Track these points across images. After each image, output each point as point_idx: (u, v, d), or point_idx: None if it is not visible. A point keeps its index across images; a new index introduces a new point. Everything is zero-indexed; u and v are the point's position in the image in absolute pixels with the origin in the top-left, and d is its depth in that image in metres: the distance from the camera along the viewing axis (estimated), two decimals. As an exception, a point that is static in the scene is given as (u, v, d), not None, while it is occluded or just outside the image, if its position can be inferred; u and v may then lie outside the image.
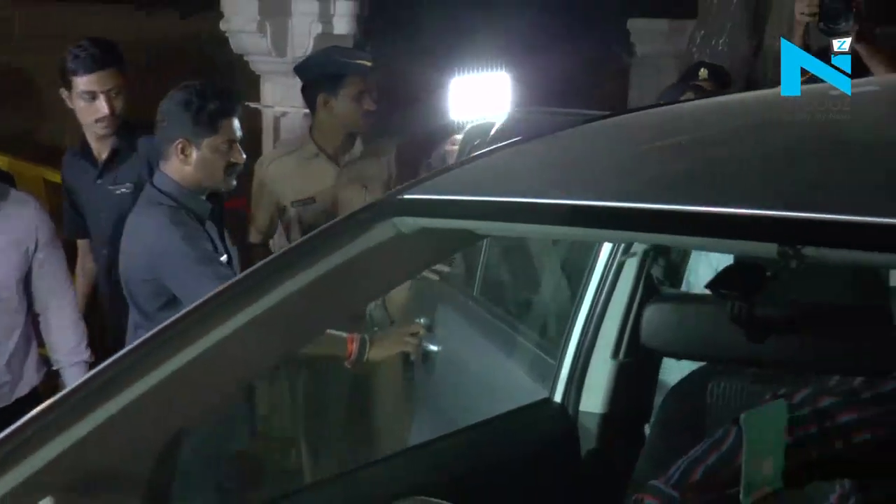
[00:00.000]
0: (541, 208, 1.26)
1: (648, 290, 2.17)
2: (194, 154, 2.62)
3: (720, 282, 1.27)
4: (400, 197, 1.44)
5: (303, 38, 4.58)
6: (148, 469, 1.38)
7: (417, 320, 2.99)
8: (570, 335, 2.22)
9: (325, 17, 4.59)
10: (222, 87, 2.83)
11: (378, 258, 1.40)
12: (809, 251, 1.01)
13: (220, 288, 1.38)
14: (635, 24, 6.30)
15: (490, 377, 2.66)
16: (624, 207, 1.17)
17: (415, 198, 1.43)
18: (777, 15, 4.75)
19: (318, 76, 3.35)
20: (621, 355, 2.19)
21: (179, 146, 2.62)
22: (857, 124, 1.26)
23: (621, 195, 1.20)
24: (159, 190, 2.65)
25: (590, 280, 2.21)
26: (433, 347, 2.94)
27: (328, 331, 2.71)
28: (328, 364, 3.10)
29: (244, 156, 2.70)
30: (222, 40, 4.86)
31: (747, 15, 4.95)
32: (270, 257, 1.45)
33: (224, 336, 1.32)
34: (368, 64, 3.31)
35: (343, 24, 4.62)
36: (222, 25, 4.77)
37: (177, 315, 1.36)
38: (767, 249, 1.05)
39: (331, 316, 1.59)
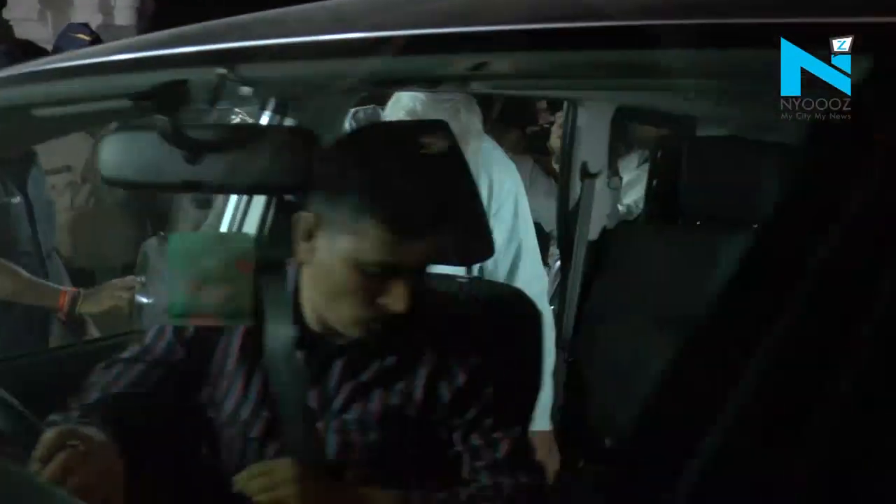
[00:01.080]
0: (101, 64, 1.31)
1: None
2: None
3: (147, 95, 1.22)
4: None
5: (83, 27, 4.66)
6: None
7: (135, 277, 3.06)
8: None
9: (106, 9, 4.69)
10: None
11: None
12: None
13: None
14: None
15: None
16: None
17: None
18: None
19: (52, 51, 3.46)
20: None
21: None
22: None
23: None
24: None
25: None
26: (145, 300, 3.01)
27: (43, 282, 2.81)
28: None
29: None
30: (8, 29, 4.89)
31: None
32: None
33: None
34: (87, 38, 3.39)
35: (124, 16, 4.71)
36: (5, 14, 4.80)
37: None
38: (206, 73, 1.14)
39: None
